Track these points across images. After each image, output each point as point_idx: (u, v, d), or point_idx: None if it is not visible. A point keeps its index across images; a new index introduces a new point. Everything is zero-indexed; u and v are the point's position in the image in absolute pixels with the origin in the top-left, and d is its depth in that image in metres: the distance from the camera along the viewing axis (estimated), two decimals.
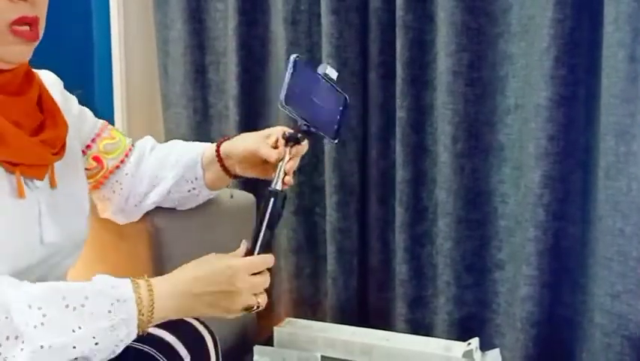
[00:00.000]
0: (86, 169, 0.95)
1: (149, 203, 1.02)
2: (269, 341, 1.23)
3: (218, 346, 0.87)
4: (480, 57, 1.19)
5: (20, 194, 0.74)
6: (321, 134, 0.87)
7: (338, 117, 0.88)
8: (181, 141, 1.07)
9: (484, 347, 1.17)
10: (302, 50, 1.35)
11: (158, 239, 1.05)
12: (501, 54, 1.19)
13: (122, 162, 1.00)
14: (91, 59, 1.54)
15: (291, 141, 0.87)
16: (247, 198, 1.23)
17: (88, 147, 0.96)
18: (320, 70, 0.86)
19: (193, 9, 1.47)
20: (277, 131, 0.93)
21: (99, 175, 0.98)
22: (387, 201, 1.34)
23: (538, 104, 1.11)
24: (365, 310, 1.38)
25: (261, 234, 0.80)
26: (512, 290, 1.21)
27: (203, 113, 1.52)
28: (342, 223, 1.34)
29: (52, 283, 0.71)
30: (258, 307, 0.79)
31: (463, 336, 1.20)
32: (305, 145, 0.89)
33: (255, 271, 0.79)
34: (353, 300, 1.37)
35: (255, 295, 0.78)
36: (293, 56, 0.83)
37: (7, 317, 0.65)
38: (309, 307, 1.43)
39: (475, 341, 1.13)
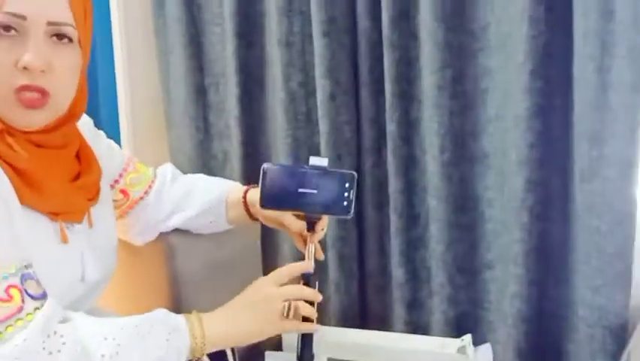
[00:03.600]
0: (113, 200, 1.03)
1: (168, 226, 1.10)
2: (278, 347, 1.29)
3: (236, 353, 0.95)
4: (462, 72, 1.26)
5: (64, 239, 0.82)
6: (331, 214, 0.98)
7: (345, 194, 0.96)
8: (205, 176, 1.15)
9: (478, 342, 1.23)
10: (296, 70, 1.42)
11: (173, 256, 1.12)
12: (481, 69, 1.26)
13: (145, 192, 1.07)
14: (95, 86, 1.59)
15: (309, 227, 0.97)
16: None
17: (116, 181, 1.04)
18: (310, 162, 0.96)
19: (192, 34, 1.54)
20: None
21: (125, 205, 1.06)
22: (382, 209, 1.40)
23: (517, 115, 1.19)
24: (366, 313, 1.45)
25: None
26: (502, 289, 1.28)
27: (205, 131, 1.59)
28: (341, 231, 1.41)
29: (125, 318, 0.79)
30: (289, 309, 0.86)
31: (457, 333, 1.27)
32: (324, 220, 0.99)
33: (282, 282, 0.88)
34: (354, 304, 1.43)
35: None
36: (263, 166, 0.94)
37: (83, 348, 0.72)
38: None
39: (467, 338, 1.19)
